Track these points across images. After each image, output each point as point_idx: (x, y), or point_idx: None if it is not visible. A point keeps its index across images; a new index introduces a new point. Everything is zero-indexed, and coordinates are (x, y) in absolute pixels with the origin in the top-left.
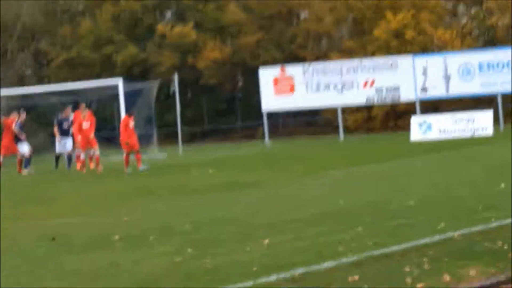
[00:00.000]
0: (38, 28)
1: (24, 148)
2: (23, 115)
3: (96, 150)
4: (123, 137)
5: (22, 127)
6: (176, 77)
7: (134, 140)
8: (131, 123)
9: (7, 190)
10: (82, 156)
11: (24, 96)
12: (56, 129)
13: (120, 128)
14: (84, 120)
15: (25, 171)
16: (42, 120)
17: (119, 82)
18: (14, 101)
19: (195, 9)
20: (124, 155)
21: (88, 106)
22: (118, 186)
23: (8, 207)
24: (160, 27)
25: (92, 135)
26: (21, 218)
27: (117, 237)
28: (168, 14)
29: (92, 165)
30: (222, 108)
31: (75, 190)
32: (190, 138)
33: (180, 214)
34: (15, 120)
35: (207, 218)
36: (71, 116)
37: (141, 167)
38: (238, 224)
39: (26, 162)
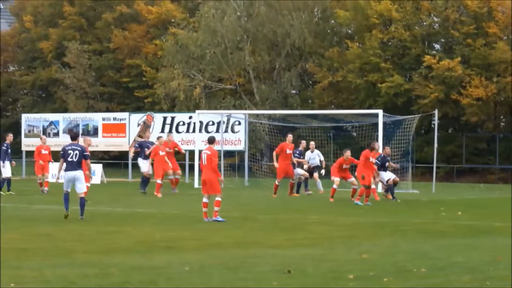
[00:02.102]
0: (306, 48)
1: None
2: (290, 137)
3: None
4: (359, 169)
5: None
6: (436, 113)
7: (370, 174)
8: (372, 159)
9: (263, 212)
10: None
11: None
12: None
13: (359, 159)
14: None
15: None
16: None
17: (379, 113)
18: (276, 121)
19: (463, 44)
20: (359, 187)
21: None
22: (364, 220)
23: (254, 233)
24: (427, 59)
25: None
26: (263, 246)
27: (351, 276)
28: (436, 46)
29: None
30: (481, 148)
31: (323, 220)
32: (445, 176)
33: (420, 256)
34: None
35: (445, 262)
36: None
37: (367, 202)
38: (474, 272)
39: (304, 183)
